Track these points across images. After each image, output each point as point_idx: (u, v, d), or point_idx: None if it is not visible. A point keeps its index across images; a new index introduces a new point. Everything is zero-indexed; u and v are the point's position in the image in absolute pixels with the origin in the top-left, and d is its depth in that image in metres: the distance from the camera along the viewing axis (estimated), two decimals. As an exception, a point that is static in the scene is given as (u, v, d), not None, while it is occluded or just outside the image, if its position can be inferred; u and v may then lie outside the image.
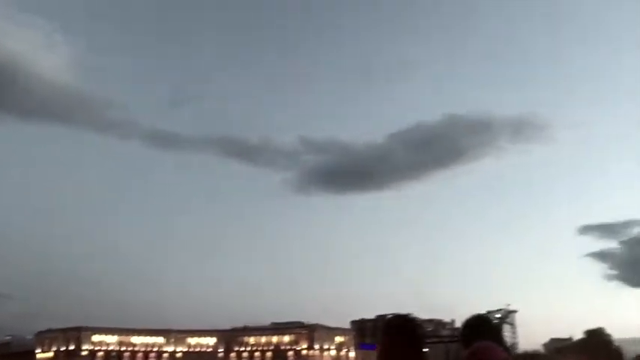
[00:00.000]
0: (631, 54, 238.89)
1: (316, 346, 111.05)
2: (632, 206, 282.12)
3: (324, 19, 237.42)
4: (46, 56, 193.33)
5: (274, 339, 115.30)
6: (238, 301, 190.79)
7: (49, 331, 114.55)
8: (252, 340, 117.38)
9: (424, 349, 3.65)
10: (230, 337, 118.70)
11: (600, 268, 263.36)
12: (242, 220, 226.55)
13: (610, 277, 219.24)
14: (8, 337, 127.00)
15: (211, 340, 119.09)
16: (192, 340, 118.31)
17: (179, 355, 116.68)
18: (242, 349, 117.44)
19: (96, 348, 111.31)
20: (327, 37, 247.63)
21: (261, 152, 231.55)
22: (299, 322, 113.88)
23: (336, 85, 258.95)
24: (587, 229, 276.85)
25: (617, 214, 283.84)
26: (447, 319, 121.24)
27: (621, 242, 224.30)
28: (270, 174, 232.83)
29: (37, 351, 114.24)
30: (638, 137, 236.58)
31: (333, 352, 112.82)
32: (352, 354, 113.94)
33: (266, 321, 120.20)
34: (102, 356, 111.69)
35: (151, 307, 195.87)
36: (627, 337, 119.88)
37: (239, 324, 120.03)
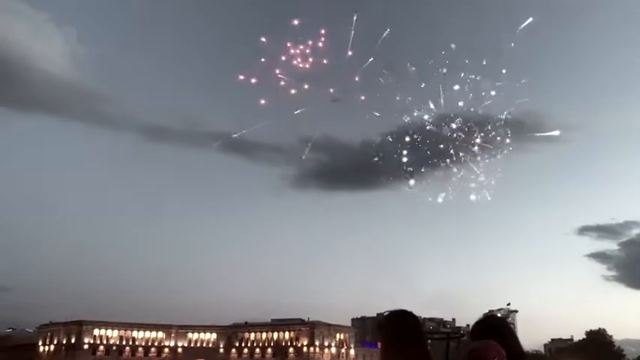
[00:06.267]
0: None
1: (317, 343, 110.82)
2: (632, 208, 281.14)
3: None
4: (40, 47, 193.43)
5: (275, 335, 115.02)
6: (239, 298, 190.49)
7: (51, 324, 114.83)
8: (252, 336, 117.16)
9: (423, 343, 3.64)
10: (231, 332, 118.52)
11: (599, 268, 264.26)
12: (240, 215, 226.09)
13: (609, 278, 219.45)
14: (9, 330, 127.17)
15: (212, 336, 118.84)
16: (194, 336, 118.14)
17: (180, 350, 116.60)
18: (242, 345, 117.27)
19: (97, 342, 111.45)
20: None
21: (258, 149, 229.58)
22: (299, 319, 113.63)
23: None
24: (585, 230, 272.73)
25: (617, 216, 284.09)
26: (447, 317, 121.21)
27: (620, 244, 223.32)
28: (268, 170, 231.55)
29: (39, 344, 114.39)
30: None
31: (333, 350, 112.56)
32: (352, 351, 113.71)
33: (266, 317, 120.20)
34: (103, 350, 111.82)
35: (153, 302, 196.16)
36: (628, 338, 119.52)
37: (240, 320, 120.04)
